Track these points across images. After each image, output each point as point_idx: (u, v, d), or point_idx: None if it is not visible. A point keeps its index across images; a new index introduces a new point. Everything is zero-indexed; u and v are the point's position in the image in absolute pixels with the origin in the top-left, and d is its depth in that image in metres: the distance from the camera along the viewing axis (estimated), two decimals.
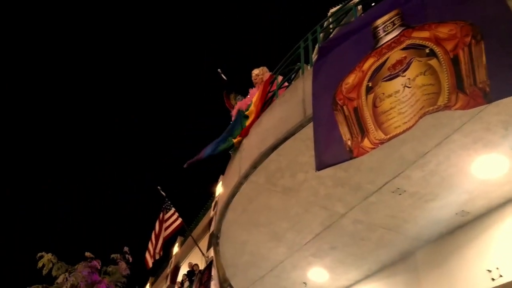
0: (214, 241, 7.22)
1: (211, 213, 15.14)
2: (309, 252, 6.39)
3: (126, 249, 9.37)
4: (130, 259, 9.13)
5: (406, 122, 3.16)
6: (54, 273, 8.62)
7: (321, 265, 6.77)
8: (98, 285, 8.37)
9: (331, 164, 3.61)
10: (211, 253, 13.56)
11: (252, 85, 7.34)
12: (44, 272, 8.52)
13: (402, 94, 3.20)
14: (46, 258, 8.49)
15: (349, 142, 3.42)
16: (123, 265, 9.07)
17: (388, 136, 3.23)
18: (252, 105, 5.54)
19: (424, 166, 4.64)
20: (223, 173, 15.20)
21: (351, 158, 3.44)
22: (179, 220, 13.24)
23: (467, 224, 5.39)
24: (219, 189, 14.99)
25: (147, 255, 13.86)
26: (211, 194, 16.02)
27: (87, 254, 8.82)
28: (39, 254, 8.48)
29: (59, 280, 8.28)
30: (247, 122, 5.47)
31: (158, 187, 13.96)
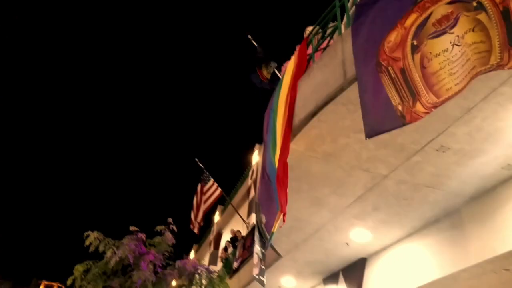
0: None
1: (249, 181, 15.44)
2: (351, 214, 6.49)
3: (170, 220, 9.73)
4: (175, 229, 9.48)
5: (458, 84, 3.02)
6: (101, 249, 8.98)
7: (364, 226, 6.88)
8: (145, 256, 8.73)
9: (382, 131, 3.49)
10: (252, 219, 13.95)
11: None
12: (92, 249, 8.91)
13: (451, 53, 3.04)
14: (93, 236, 8.87)
15: (400, 107, 3.29)
16: (168, 235, 9.41)
17: (441, 99, 3.10)
18: (286, 76, 5.39)
19: (469, 122, 4.54)
20: (259, 142, 15.41)
21: (404, 125, 3.30)
22: (219, 190, 13.60)
23: None
24: (256, 158, 15.19)
25: (193, 222, 14.48)
26: (248, 163, 16.27)
27: (132, 228, 9.19)
28: (85, 233, 8.89)
29: (108, 254, 8.66)
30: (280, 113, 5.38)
31: (196, 159, 14.29)
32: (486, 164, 5.09)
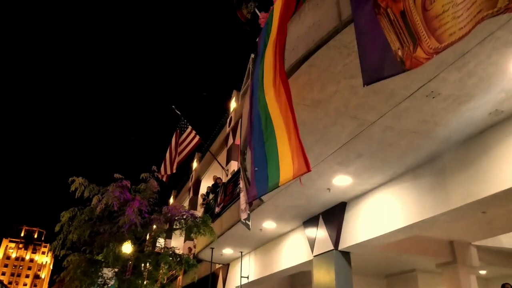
0: (241, 157, 7.34)
1: (227, 128, 15.27)
2: (335, 161, 6.50)
3: (154, 167, 9.63)
4: (160, 177, 9.43)
5: (462, 28, 2.82)
6: (85, 194, 8.89)
7: (346, 172, 6.95)
8: (131, 203, 8.70)
9: (381, 78, 3.29)
10: (231, 166, 13.97)
11: None
12: (77, 194, 8.80)
13: None
14: (78, 182, 8.74)
15: (399, 52, 3.09)
16: (153, 182, 9.37)
17: (443, 45, 2.90)
18: (274, 19, 5.04)
19: (462, 67, 4.43)
20: (236, 89, 15.04)
21: (404, 71, 3.11)
22: (197, 138, 13.42)
23: (499, 124, 5.35)
24: (233, 105, 14.91)
25: (162, 171, 14.25)
26: (225, 110, 16.00)
27: (116, 175, 9.06)
28: (70, 179, 8.72)
29: (93, 201, 8.59)
30: (270, 47, 4.92)
31: (173, 106, 13.88)
32: (474, 110, 5.08)
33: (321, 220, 8.90)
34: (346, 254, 8.42)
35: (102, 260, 9.18)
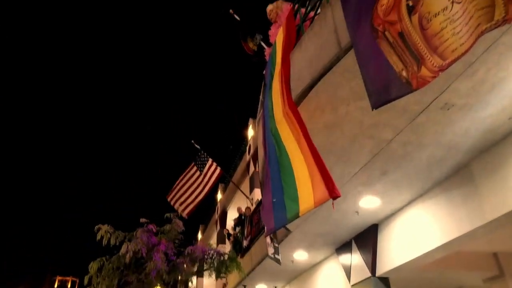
0: (261, 188, 7.29)
1: (247, 156, 15.30)
2: (358, 181, 6.37)
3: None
4: (184, 215, 9.43)
5: (463, 44, 2.78)
6: (112, 241, 8.92)
7: (372, 192, 6.78)
8: (157, 247, 8.69)
9: (389, 100, 3.23)
10: (254, 195, 13.88)
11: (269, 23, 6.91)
12: (104, 242, 8.85)
13: (451, 12, 2.77)
14: (104, 230, 8.81)
15: (404, 73, 3.06)
16: (178, 222, 9.38)
17: (447, 62, 2.86)
18: (277, 51, 5.12)
19: (472, 76, 4.34)
20: (252, 116, 15.14)
21: (411, 91, 3.07)
22: (218, 169, 13.44)
23: None
24: (251, 132, 15.00)
25: (181, 207, 14.03)
26: (244, 138, 16.08)
27: (142, 220, 9.11)
28: (96, 227, 8.81)
29: (122, 250, 8.60)
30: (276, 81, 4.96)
31: (192, 141, 14.05)
32: (492, 116, 4.92)
33: (354, 246, 8.64)
34: (385, 280, 8.05)
35: None
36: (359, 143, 5.37)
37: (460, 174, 6.05)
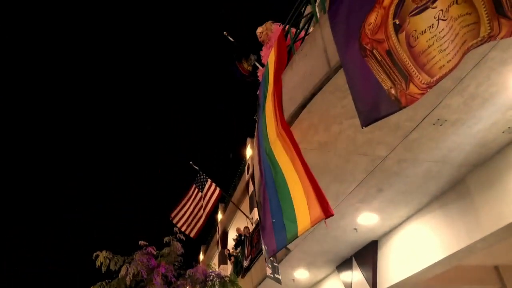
0: (258, 208, 7.25)
1: (246, 176, 15.27)
2: (355, 199, 6.35)
3: (176, 229, 9.59)
4: (183, 238, 9.36)
5: (450, 60, 2.81)
6: (112, 267, 8.85)
7: (370, 209, 6.75)
8: (157, 270, 8.62)
9: (378, 118, 3.25)
10: (254, 214, 13.80)
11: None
12: (104, 269, 8.77)
13: (437, 29, 2.81)
14: (102, 256, 8.73)
15: (392, 91, 3.08)
16: (177, 245, 9.29)
17: (435, 79, 2.89)
18: (269, 72, 5.18)
19: (463, 91, 4.37)
20: (250, 136, 15.19)
21: (400, 109, 3.08)
22: (218, 190, 13.42)
23: None
24: (249, 152, 15.02)
25: (185, 228, 14.06)
26: (242, 158, 16.09)
27: (141, 242, 9.04)
28: (94, 254, 8.73)
29: (122, 272, 8.52)
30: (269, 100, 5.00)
31: (191, 162, 14.05)
32: (486, 130, 4.94)
33: (354, 263, 8.55)
34: None
35: None
36: (353, 161, 5.37)
37: (456, 189, 6.03)
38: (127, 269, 8.66)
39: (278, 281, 7.57)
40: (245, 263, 10.83)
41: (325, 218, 3.89)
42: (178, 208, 14.49)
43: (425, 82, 2.97)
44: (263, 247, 6.40)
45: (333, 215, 3.85)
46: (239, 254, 12.20)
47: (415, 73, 3.00)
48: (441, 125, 4.79)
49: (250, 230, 12.42)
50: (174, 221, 14.28)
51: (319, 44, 4.26)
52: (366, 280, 8.04)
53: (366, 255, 8.11)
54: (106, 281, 8.93)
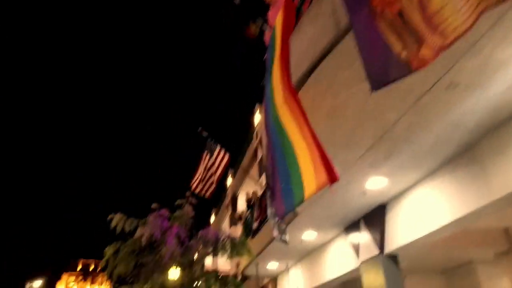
0: (266, 174, 7.29)
1: (255, 142, 15.27)
2: (364, 164, 6.31)
3: (188, 194, 9.79)
4: (193, 202, 9.58)
5: (465, 21, 2.65)
6: (126, 229, 9.12)
7: (379, 173, 6.73)
8: (170, 231, 8.87)
9: (388, 82, 3.14)
10: (263, 179, 13.92)
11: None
12: (118, 230, 9.03)
13: None
14: (117, 218, 8.98)
15: (403, 54, 2.95)
16: (188, 208, 9.52)
17: (448, 41, 2.75)
18: (276, 35, 5.01)
19: (478, 53, 4.19)
20: (259, 102, 15.04)
21: (410, 72, 2.99)
22: (227, 156, 13.49)
23: None
24: (258, 118, 14.94)
25: (199, 189, 14.45)
26: (251, 123, 16.01)
27: (154, 205, 9.27)
28: (109, 216, 8.98)
29: (137, 233, 8.80)
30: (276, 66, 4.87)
31: (200, 128, 14.05)
32: (501, 94, 4.78)
33: (362, 225, 8.65)
34: (393, 257, 8.11)
35: None
36: (362, 127, 5.29)
37: (467, 153, 5.95)
38: (142, 230, 8.94)
39: (285, 243, 7.73)
40: (254, 225, 11.05)
41: (331, 184, 3.90)
42: (195, 176, 14.84)
43: (438, 45, 2.83)
44: (271, 210, 6.50)
45: (338, 180, 3.85)
46: (248, 217, 12.44)
47: (428, 35, 2.85)
48: (453, 89, 4.64)
49: (259, 194, 12.58)
50: (192, 188, 14.63)
51: (328, 5, 4.08)
52: (374, 242, 8.17)
53: (374, 218, 8.18)
54: (122, 241, 9.25)
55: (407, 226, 7.40)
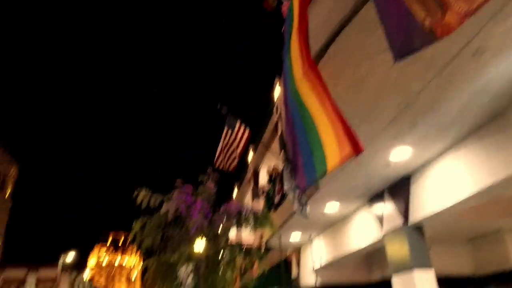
0: (285, 148, 7.27)
1: (275, 116, 15.18)
2: (388, 135, 6.19)
3: (209, 170, 9.96)
4: (215, 178, 9.76)
5: None
6: (152, 204, 9.41)
7: (403, 144, 6.61)
8: (194, 206, 9.11)
9: (412, 51, 3.04)
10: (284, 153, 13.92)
11: None
12: (144, 206, 9.33)
13: None
14: (143, 194, 9.25)
15: (427, 22, 2.84)
16: (210, 184, 9.71)
17: (474, 6, 2.63)
18: (294, 6, 4.86)
19: (506, 18, 3.98)
20: (278, 75, 14.84)
21: (435, 40, 2.88)
22: (247, 131, 13.53)
23: None
24: (278, 91, 14.80)
25: (222, 164, 14.63)
26: (271, 97, 15.89)
27: (178, 181, 9.50)
28: (135, 192, 9.26)
29: (163, 209, 9.08)
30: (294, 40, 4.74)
31: (219, 104, 14.08)
32: None
33: (386, 196, 8.59)
34: (418, 228, 8.07)
35: (177, 262, 9.71)
36: (385, 98, 5.16)
37: (494, 122, 5.75)
38: (167, 205, 9.22)
39: (305, 216, 7.77)
40: (276, 199, 11.16)
41: (356, 155, 3.87)
42: (217, 152, 15.01)
43: (463, 10, 2.71)
44: (290, 184, 6.51)
45: (363, 151, 3.81)
46: (270, 190, 12.56)
47: (452, 1, 2.73)
48: (481, 55, 4.44)
49: (280, 169, 12.63)
50: (215, 164, 14.85)
51: None
52: (399, 213, 8.13)
53: (399, 188, 8.10)
54: (148, 216, 9.57)
55: (433, 196, 7.31)
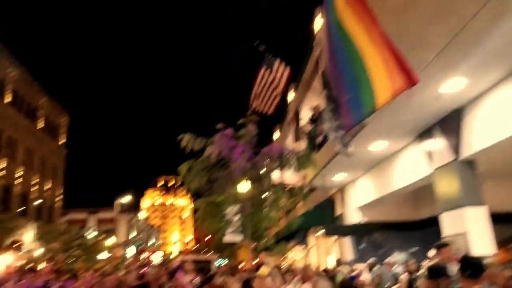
0: (330, 83, 6.97)
1: (316, 51, 14.54)
2: (439, 66, 5.72)
3: (249, 112, 9.91)
4: (255, 119, 9.69)
5: None
6: (196, 148, 9.60)
7: (455, 75, 6.12)
8: (236, 149, 9.19)
9: None
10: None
11: None
12: (187, 150, 9.55)
13: None
14: (187, 138, 9.43)
15: None
16: (251, 127, 9.68)
17: None
18: None
19: None
20: (319, 5, 13.99)
21: None
22: (287, 70, 13.09)
23: None
24: (318, 24, 14.05)
25: (261, 106, 14.39)
26: (311, 32, 15.14)
27: (219, 125, 9.56)
28: (179, 137, 9.45)
29: (207, 152, 9.25)
30: None
31: (256, 42, 13.58)
32: None
33: (437, 131, 8.19)
34: (470, 163, 7.71)
35: (223, 202, 10.06)
36: (436, 23, 4.69)
37: None
38: (211, 149, 9.39)
39: (347, 154, 7.58)
40: (319, 139, 11.01)
41: (411, 87, 3.57)
42: (253, 94, 14.72)
43: None
44: (332, 124, 6.29)
45: (418, 82, 3.50)
46: (312, 131, 12.39)
47: None
48: None
49: (322, 108, 12.31)
50: (253, 106, 14.67)
51: None
52: (449, 148, 7.78)
53: (450, 122, 7.68)
54: (193, 159, 9.87)
55: (486, 129, 6.87)
